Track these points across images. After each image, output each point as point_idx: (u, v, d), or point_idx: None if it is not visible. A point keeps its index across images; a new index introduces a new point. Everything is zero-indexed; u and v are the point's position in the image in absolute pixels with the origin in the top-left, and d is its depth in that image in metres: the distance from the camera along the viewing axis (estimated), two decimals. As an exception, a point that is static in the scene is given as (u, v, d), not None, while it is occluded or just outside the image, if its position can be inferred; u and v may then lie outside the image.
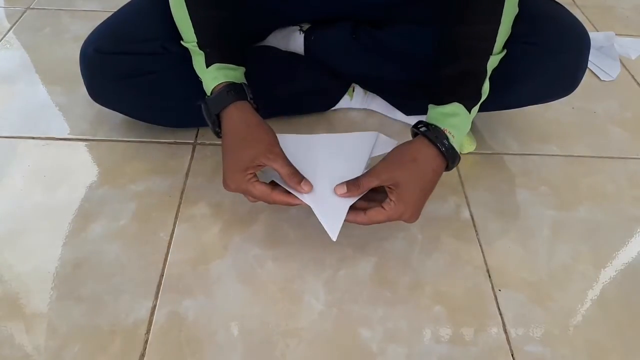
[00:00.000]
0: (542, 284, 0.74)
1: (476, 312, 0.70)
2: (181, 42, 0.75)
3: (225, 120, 0.69)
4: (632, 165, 0.95)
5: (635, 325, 0.70)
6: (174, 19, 0.74)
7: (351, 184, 0.67)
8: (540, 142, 0.98)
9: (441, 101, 0.70)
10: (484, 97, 0.71)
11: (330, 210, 0.67)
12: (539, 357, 0.66)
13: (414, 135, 0.71)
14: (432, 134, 0.67)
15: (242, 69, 0.74)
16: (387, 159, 0.68)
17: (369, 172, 0.67)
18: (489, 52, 0.69)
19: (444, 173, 0.70)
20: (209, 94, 0.71)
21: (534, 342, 0.67)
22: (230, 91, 0.69)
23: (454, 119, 0.69)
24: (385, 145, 0.76)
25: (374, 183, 0.66)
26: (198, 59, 0.73)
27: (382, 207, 0.66)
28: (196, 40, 0.72)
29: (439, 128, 0.68)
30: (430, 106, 0.72)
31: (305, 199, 0.67)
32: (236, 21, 0.75)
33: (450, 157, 0.68)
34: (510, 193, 0.87)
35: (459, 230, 0.80)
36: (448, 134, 0.67)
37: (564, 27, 0.79)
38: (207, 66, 0.71)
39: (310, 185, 0.67)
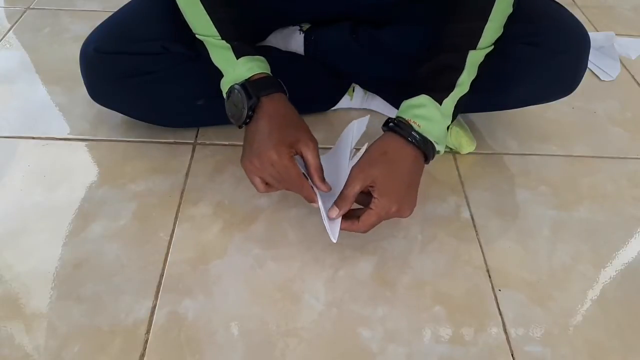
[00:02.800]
0: (542, 284, 0.74)
1: (476, 312, 0.70)
2: (196, 35, 0.74)
3: (268, 104, 0.69)
4: (632, 165, 0.95)
5: (635, 325, 0.70)
6: (184, 15, 0.73)
7: (339, 201, 0.67)
8: (540, 142, 0.98)
9: (411, 94, 0.70)
10: (459, 90, 0.70)
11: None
12: (539, 357, 0.66)
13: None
14: (397, 127, 0.68)
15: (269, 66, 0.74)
16: (359, 161, 0.69)
17: (348, 180, 0.68)
18: (470, 47, 0.69)
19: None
20: (240, 82, 0.70)
21: (534, 342, 0.67)
22: (273, 82, 0.71)
23: (419, 110, 0.69)
24: (360, 125, 0.78)
25: (355, 188, 0.67)
26: (222, 52, 0.71)
27: (370, 208, 0.67)
28: (219, 35, 0.71)
29: (403, 119, 0.69)
30: (402, 103, 0.72)
31: (318, 199, 0.69)
32: (248, 19, 0.75)
33: (422, 146, 0.68)
34: (510, 193, 0.87)
35: (459, 230, 0.80)
36: (412, 124, 0.68)
37: (564, 28, 0.79)
38: (238, 57, 0.71)
39: (329, 186, 0.68)
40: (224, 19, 0.72)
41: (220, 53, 0.72)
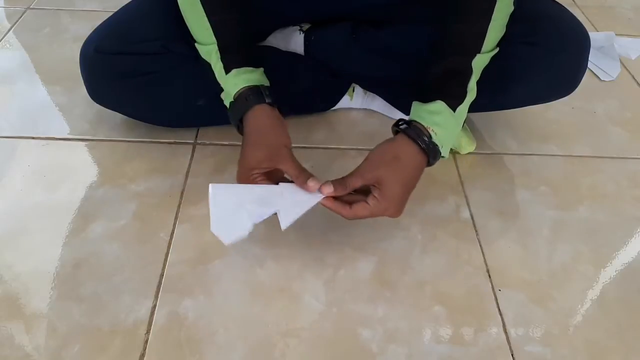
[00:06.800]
0: (542, 284, 0.74)
1: (476, 312, 0.70)
2: (195, 44, 0.74)
3: (244, 125, 0.71)
4: (632, 165, 0.95)
5: (635, 325, 0.70)
6: (186, 21, 0.74)
7: (337, 184, 0.66)
8: (540, 142, 0.98)
9: (426, 99, 0.70)
10: (470, 96, 0.70)
11: (294, 202, 0.67)
12: (539, 357, 0.66)
13: (395, 133, 0.71)
14: (412, 132, 0.67)
15: (261, 69, 0.74)
16: (369, 158, 0.68)
17: (354, 172, 0.67)
18: (476, 50, 0.69)
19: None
20: (232, 100, 0.71)
21: (534, 342, 0.67)
22: (249, 96, 0.70)
23: (437, 117, 0.68)
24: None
25: (358, 183, 0.66)
26: (217, 66, 0.72)
27: (366, 202, 0.66)
28: (216, 42, 0.72)
29: (422, 125, 0.68)
30: (414, 103, 0.71)
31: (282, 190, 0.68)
32: (248, 22, 0.75)
33: (431, 153, 0.68)
34: (510, 193, 0.87)
35: (459, 230, 0.80)
36: (431, 132, 0.67)
37: (564, 27, 0.79)
38: (227, 72, 0.71)
39: (318, 183, 0.66)
40: (223, 24, 0.72)
41: (216, 67, 0.72)
